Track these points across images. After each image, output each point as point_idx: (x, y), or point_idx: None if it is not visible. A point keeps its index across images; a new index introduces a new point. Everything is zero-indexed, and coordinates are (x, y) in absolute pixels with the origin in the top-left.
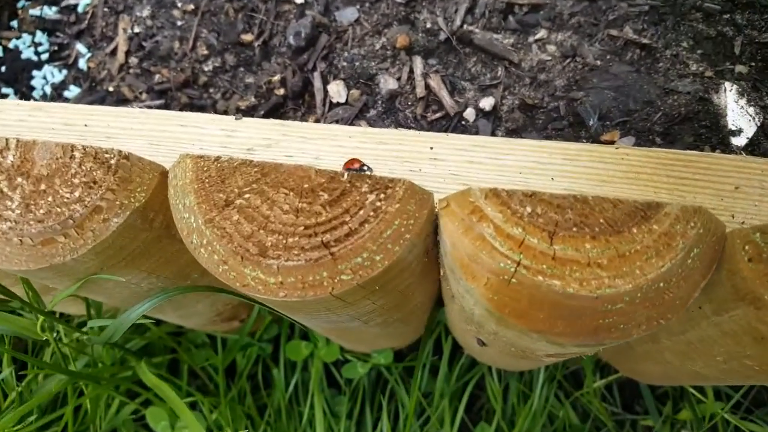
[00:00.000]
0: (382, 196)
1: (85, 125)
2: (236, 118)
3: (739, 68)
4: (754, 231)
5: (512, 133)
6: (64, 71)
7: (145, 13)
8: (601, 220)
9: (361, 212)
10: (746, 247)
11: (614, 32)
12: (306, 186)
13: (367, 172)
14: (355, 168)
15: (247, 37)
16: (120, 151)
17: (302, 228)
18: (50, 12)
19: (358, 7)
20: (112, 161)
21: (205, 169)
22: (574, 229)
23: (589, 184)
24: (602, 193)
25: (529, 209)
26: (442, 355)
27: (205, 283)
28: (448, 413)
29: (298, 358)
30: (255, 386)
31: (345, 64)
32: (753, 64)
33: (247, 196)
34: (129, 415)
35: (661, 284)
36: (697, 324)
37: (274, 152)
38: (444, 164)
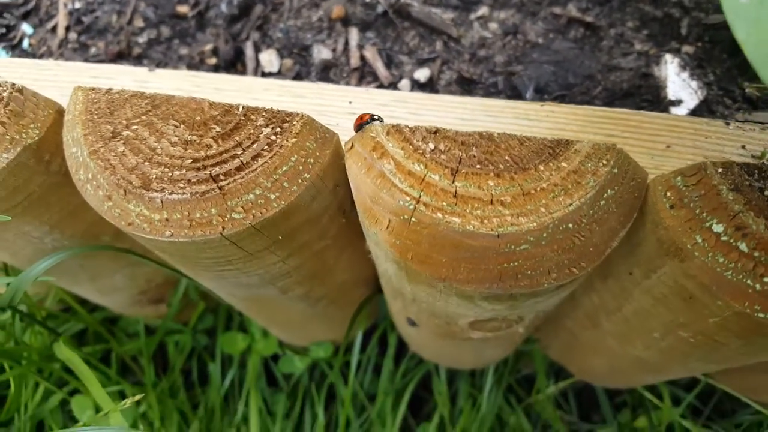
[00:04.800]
0: (278, 129)
1: None
2: (149, 69)
3: (686, 48)
4: (675, 175)
5: None
6: (10, 52)
7: None
8: (507, 158)
9: (255, 146)
10: (668, 194)
11: (557, 10)
12: (198, 118)
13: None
14: (365, 121)
15: (183, 9)
16: (13, 84)
17: (190, 161)
18: None
19: None
20: (4, 93)
21: (95, 101)
22: (478, 166)
23: None
24: None
25: (431, 145)
26: (386, 351)
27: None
28: (390, 413)
29: (234, 350)
30: (190, 383)
31: (279, 35)
32: (699, 44)
33: (135, 127)
34: (57, 404)
35: (570, 225)
36: (629, 294)
37: None
38: None
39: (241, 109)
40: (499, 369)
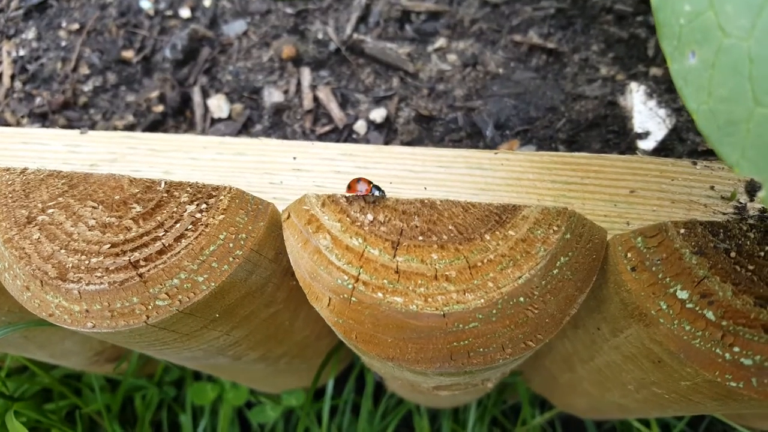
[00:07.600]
0: (203, 206)
1: None
2: (81, 132)
3: (653, 70)
4: (635, 235)
5: (406, 145)
6: None
7: (31, 35)
8: (451, 227)
9: (178, 225)
10: (628, 255)
11: (518, 38)
12: (117, 198)
13: (378, 195)
14: (362, 193)
15: (128, 54)
16: None
17: (108, 246)
18: None
19: (247, 20)
20: None
21: (9, 183)
22: (421, 237)
23: (466, 192)
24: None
25: (370, 217)
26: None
27: None
28: None
29: (204, 401)
30: None
31: (229, 77)
32: (667, 66)
33: (51, 211)
34: None
35: (521, 299)
36: (600, 348)
37: (119, 167)
38: (308, 175)
39: (163, 184)
40: (482, 402)
